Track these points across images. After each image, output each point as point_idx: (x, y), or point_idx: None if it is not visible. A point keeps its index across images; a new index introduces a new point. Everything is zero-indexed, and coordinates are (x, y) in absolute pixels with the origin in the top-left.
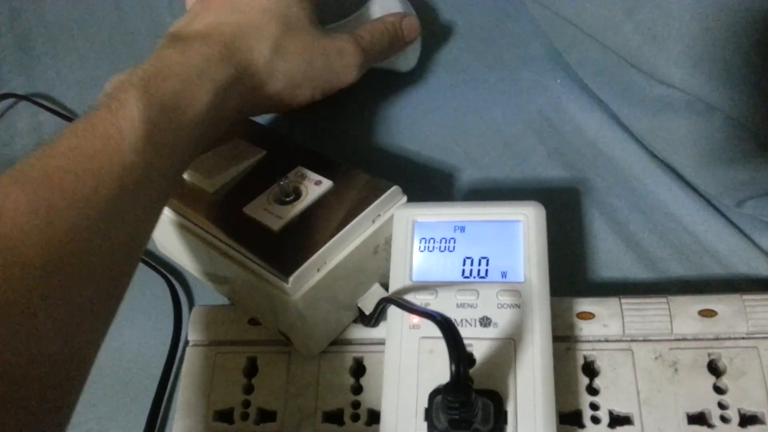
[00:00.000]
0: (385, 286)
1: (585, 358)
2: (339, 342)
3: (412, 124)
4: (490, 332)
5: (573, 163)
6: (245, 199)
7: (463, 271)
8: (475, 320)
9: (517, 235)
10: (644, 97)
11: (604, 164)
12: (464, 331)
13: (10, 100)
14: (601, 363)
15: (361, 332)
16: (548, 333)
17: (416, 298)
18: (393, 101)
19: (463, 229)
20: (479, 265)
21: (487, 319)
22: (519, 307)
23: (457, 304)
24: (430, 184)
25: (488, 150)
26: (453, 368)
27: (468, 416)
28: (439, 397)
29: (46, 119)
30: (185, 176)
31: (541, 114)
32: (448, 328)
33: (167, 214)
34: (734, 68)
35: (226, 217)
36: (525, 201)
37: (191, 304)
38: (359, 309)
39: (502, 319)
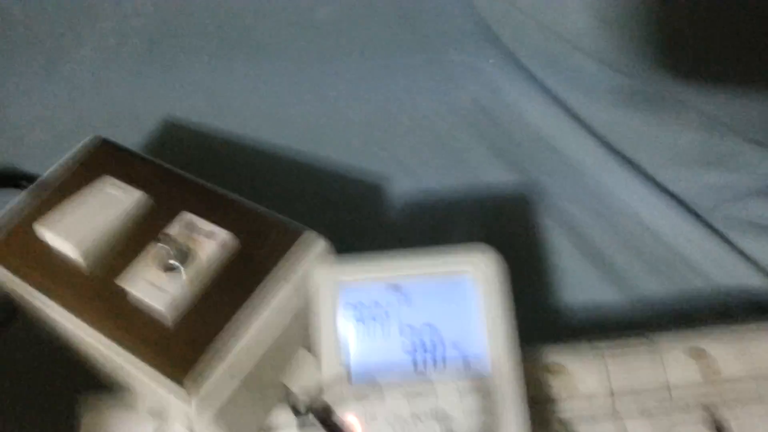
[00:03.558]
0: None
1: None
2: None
3: (324, 128)
4: None
5: (518, 161)
6: (121, 265)
7: (414, 361)
8: None
9: (468, 296)
10: (596, 87)
11: (554, 161)
12: None
13: None
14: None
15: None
16: None
17: (359, 406)
18: (297, 100)
19: (398, 288)
20: (433, 350)
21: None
22: (490, 413)
23: (412, 414)
24: (351, 203)
25: (419, 151)
26: None
27: None
28: None
29: None
30: (49, 241)
31: (475, 103)
32: None
33: (30, 294)
34: (705, 61)
35: (98, 297)
36: (470, 245)
37: None
38: (285, 386)
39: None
